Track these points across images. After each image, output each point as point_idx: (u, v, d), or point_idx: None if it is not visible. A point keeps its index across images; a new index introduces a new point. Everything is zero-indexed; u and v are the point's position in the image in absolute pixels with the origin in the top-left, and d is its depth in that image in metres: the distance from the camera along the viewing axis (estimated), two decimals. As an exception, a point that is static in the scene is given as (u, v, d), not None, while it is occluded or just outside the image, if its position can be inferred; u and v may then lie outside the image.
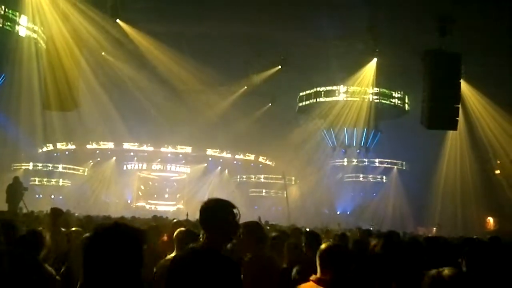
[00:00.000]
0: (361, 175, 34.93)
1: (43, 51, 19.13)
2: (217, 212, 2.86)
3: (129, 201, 36.62)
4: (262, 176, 38.02)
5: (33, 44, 21.36)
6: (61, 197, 32.93)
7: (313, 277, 3.15)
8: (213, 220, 2.83)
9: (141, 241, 1.90)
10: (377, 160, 34.72)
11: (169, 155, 36.87)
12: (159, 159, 37.44)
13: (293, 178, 36.01)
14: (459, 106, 15.60)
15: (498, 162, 30.27)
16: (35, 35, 21.54)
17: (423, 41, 17.37)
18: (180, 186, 38.53)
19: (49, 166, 35.71)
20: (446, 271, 2.35)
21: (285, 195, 30.35)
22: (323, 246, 3.25)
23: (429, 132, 26.42)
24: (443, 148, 29.94)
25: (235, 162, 37.75)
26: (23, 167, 33.24)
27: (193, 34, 22.65)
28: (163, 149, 36.24)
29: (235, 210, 2.88)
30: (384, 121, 32.10)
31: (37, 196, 29.19)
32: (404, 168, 34.56)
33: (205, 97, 29.84)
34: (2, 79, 24.60)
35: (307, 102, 31.67)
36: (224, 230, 2.82)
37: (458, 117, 15.33)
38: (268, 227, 9.68)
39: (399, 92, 30.44)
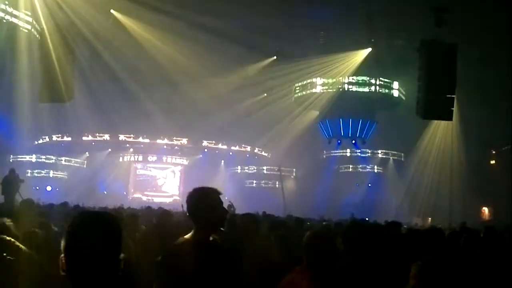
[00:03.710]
0: (358, 166, 35.06)
1: (37, 42, 19.01)
2: (202, 200, 2.83)
3: (125, 193, 36.62)
4: (257, 168, 38.09)
5: (27, 35, 21.21)
6: (57, 189, 32.91)
7: (298, 267, 3.08)
8: (199, 208, 2.80)
9: (118, 227, 1.94)
10: (372, 151, 34.82)
11: (164, 146, 36.83)
12: (155, 151, 37.40)
13: (289, 169, 36.08)
14: (455, 96, 15.58)
15: (493, 152, 30.45)
16: (29, 26, 21.38)
17: (419, 32, 17.36)
18: (176, 177, 38.55)
19: (45, 158, 35.63)
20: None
21: (281, 186, 30.42)
22: (308, 234, 3.19)
23: (425, 122, 26.70)
24: (437, 138, 30.09)
25: (230, 153, 37.76)
26: (19, 159, 33.14)
27: (188, 25, 22.55)
28: (159, 141, 36.18)
29: (221, 197, 2.86)
30: (380, 111, 32.09)
31: (34, 188, 29.10)
32: (399, 158, 34.66)
33: (200, 88, 29.75)
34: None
35: (303, 93, 31.61)
36: (211, 218, 2.80)
37: (453, 107, 15.32)
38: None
39: (394, 83, 30.40)
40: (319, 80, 30.63)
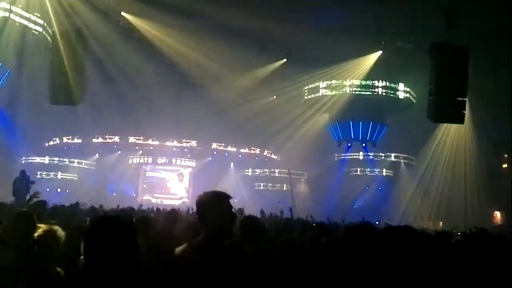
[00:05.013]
0: (369, 169, 34.87)
1: (48, 44, 19.16)
2: (212, 203, 2.82)
3: (134, 195, 36.73)
4: (269, 170, 38.05)
5: (38, 38, 21.39)
6: (67, 190, 33.08)
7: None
8: (209, 212, 2.78)
9: (133, 229, 2.08)
10: (383, 154, 34.65)
11: (174, 149, 36.88)
12: (164, 153, 37.47)
13: (300, 172, 35.95)
14: (466, 99, 15.47)
15: (506, 156, 30.13)
16: (40, 29, 21.55)
17: (429, 34, 17.25)
18: (185, 179, 38.60)
19: (58, 160, 35.87)
20: None
21: (290, 189, 30.33)
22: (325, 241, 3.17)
23: (435, 125, 26.51)
24: (448, 141, 29.87)
25: (240, 156, 37.73)
26: (30, 161, 33.39)
27: (197, 28, 22.58)
28: (168, 143, 36.24)
29: (231, 201, 2.84)
30: (389, 114, 31.97)
31: (45, 189, 29.26)
32: (410, 161, 34.43)
33: (209, 91, 29.80)
34: (7, 74, 24.67)
35: (312, 96, 31.57)
36: (221, 221, 2.78)
37: (465, 110, 15.22)
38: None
39: (399, 85, 30.31)
40: (322, 84, 30.70)
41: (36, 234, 3.36)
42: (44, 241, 3.32)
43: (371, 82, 29.84)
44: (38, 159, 34.70)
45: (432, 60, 15.59)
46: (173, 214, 6.40)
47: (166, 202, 33.43)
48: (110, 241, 1.95)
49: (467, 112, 16.34)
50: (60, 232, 3.48)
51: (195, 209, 2.95)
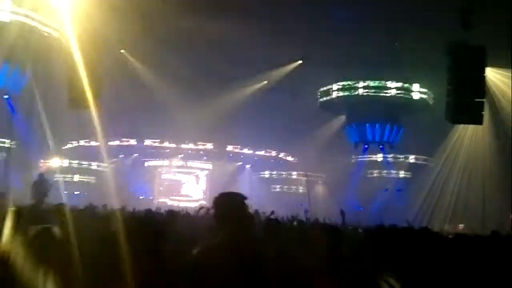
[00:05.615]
0: (386, 171, 34.57)
1: (64, 49, 19.34)
2: (229, 205, 2.82)
3: (151, 197, 36.94)
4: (284, 172, 37.99)
5: (54, 42, 21.65)
6: (85, 193, 33.39)
7: None
8: (227, 213, 2.80)
9: None
10: (401, 155, 34.32)
11: (189, 151, 37.03)
12: (180, 156, 37.64)
13: (318, 175, 35.79)
14: (484, 100, 15.27)
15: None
16: (56, 34, 21.82)
17: (446, 34, 17.05)
18: (201, 182, 38.71)
19: (75, 163, 36.26)
20: None
21: (306, 191, 30.21)
22: None
23: (453, 126, 26.20)
24: (466, 142, 29.45)
25: (256, 158, 37.73)
26: (48, 164, 33.77)
27: (213, 28, 22.62)
28: (183, 146, 36.39)
29: (247, 202, 2.86)
30: (406, 116, 31.72)
31: (63, 192, 29.57)
32: (428, 163, 34.06)
33: (225, 93, 29.86)
34: (24, 79, 25.04)
35: (328, 97, 31.46)
36: (239, 222, 2.79)
37: (483, 111, 15.00)
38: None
39: (413, 85, 30.06)
40: (335, 86, 30.63)
41: None
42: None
43: (384, 83, 29.66)
44: (56, 163, 35.10)
45: (449, 60, 15.39)
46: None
47: (182, 204, 33.55)
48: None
49: (485, 112, 16.12)
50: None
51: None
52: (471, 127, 26.50)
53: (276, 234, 4.85)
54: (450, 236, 8.09)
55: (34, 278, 3.21)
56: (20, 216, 3.92)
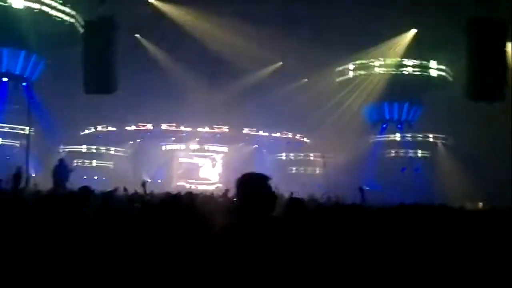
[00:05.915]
0: (405, 151, 34.21)
1: (80, 35, 19.42)
2: (252, 185, 2.84)
3: (169, 181, 37.20)
4: (302, 154, 37.92)
5: (70, 28, 21.71)
6: (104, 177, 33.76)
7: None
8: (250, 193, 2.79)
9: None
10: (420, 134, 33.90)
11: (206, 135, 37.11)
12: (196, 139, 37.76)
13: (335, 155, 35.60)
14: (506, 75, 14.90)
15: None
16: (72, 20, 21.86)
17: (465, 10, 16.66)
18: (218, 165, 38.87)
19: (95, 148, 36.68)
20: None
21: (324, 172, 30.13)
22: None
23: (474, 104, 25.70)
24: (490, 121, 28.88)
25: (272, 140, 37.66)
26: (67, 150, 34.19)
27: (227, 11, 22.46)
28: (200, 129, 36.46)
29: (269, 182, 2.86)
30: (424, 93, 31.27)
31: (83, 177, 30.00)
32: (448, 142, 33.60)
33: (240, 76, 29.75)
34: (42, 65, 25.21)
35: (344, 77, 31.14)
36: (262, 202, 2.79)
37: (505, 87, 14.66)
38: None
39: (431, 62, 29.56)
40: (351, 65, 30.31)
41: None
42: None
43: (399, 60, 29.23)
44: (75, 148, 35.52)
45: (469, 37, 15.02)
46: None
47: (200, 187, 33.74)
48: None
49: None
50: None
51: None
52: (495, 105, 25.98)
53: (300, 213, 4.86)
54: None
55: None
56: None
